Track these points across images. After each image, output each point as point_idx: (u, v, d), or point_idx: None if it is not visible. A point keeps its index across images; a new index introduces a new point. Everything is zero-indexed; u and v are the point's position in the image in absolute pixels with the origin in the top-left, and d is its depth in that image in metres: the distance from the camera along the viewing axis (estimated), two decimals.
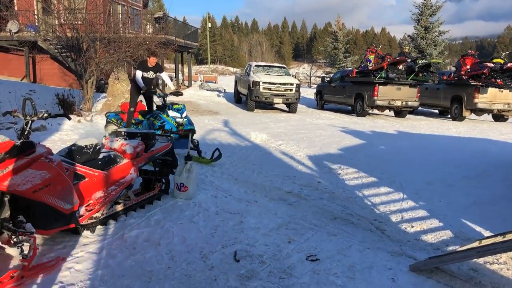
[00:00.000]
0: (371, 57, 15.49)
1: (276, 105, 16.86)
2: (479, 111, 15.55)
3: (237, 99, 18.60)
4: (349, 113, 16.64)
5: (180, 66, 28.06)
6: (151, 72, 7.79)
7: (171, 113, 7.16)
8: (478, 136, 11.26)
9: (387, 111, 16.62)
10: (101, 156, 3.91)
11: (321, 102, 18.72)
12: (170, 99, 7.92)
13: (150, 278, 3.01)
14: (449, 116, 16.34)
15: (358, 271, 3.26)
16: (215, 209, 4.57)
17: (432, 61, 17.31)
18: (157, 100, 8.05)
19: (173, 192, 4.90)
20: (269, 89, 14.88)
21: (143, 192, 4.65)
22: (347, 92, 16.52)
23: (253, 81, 15.00)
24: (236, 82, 18.94)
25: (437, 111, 18.33)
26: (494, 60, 15.45)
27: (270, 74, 15.97)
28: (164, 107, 7.26)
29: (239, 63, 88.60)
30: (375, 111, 16.39)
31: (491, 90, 14.73)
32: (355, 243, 3.84)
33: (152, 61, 7.71)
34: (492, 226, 4.29)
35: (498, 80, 14.49)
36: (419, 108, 16.77)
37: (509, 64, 14.66)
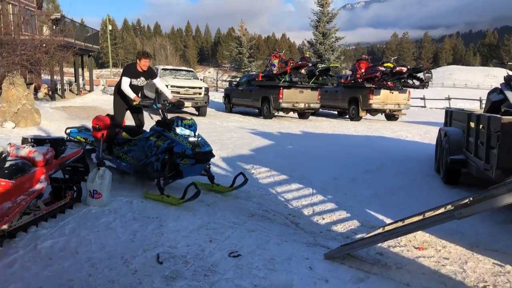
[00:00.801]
0: (275, 61, 16.09)
1: (185, 109, 16.77)
2: (374, 111, 16.91)
3: None
4: (256, 116, 17.09)
5: (80, 70, 26.67)
6: (142, 78, 6.15)
7: (180, 130, 5.26)
8: (374, 134, 12.25)
9: (291, 113, 17.36)
10: (7, 164, 3.67)
11: (230, 105, 18.99)
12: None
13: (71, 287, 2.92)
14: (347, 116, 17.52)
15: (278, 263, 3.44)
16: (132, 214, 4.49)
17: (331, 65, 18.43)
18: (143, 114, 6.58)
19: (86, 200, 4.72)
20: (178, 92, 14.76)
21: (53, 201, 4.43)
22: (254, 96, 16.96)
23: None
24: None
25: (336, 112, 19.53)
26: (385, 64, 16.92)
27: (178, 78, 15.88)
28: (169, 123, 5.36)
29: None
30: (281, 113, 17.04)
31: (383, 92, 16.11)
32: (273, 237, 4.03)
33: (143, 64, 6.06)
34: (392, 214, 4.75)
35: (389, 83, 15.86)
36: (320, 109, 17.77)
37: (397, 68, 16.13)
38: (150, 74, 6.30)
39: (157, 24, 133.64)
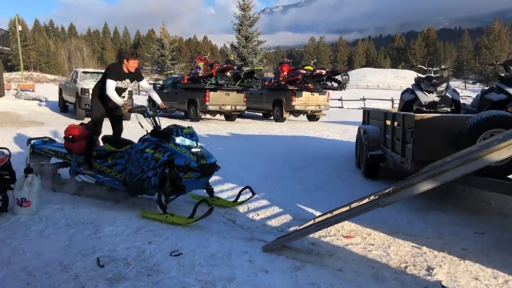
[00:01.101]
0: (201, 64, 16.14)
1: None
2: (296, 112, 17.55)
3: (63, 108, 17.34)
4: (183, 119, 17.01)
5: None
6: (127, 80, 5.41)
7: (180, 140, 4.74)
8: (298, 134, 12.77)
9: (218, 115, 17.49)
10: None
11: (154, 108, 18.68)
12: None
13: None
14: (272, 118, 18.02)
15: (219, 259, 3.57)
16: (65, 221, 4.38)
17: (255, 68, 18.85)
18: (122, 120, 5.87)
19: (13, 209, 4.52)
20: None
21: None
22: (179, 98, 16.87)
23: (81, 88, 14.21)
24: (60, 90, 17.64)
25: (261, 114, 19.99)
26: (306, 67, 17.66)
27: (93, 82, 15.34)
28: (167, 133, 4.80)
29: (57, 69, 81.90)
30: (208, 115, 17.11)
31: (305, 94, 16.79)
32: (212, 235, 4.15)
33: (131, 66, 5.26)
34: (321, 207, 5.07)
35: (310, 85, 16.57)
36: (246, 111, 18.11)
37: (317, 71, 16.89)
38: (137, 75, 5.53)
39: (72, 25, 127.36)
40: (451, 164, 3.22)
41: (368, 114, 8.22)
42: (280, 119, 17.16)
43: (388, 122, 6.23)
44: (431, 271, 3.39)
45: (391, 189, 3.46)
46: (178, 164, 4.52)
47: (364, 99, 32.39)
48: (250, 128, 14.44)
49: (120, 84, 5.33)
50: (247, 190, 5.33)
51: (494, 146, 3.04)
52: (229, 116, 17.19)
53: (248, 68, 17.11)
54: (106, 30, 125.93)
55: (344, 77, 17.33)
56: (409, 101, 6.11)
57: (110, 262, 3.42)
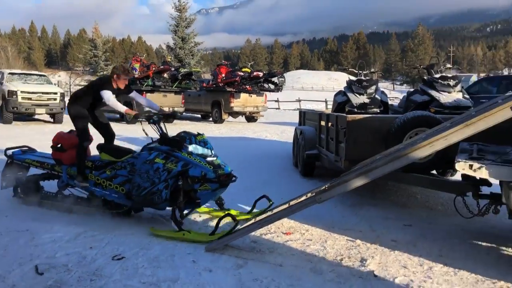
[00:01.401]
0: (137, 65, 15.87)
1: (38, 116, 15.54)
2: (235, 114, 17.72)
3: None
4: (119, 121, 16.59)
5: None
6: (116, 97, 4.92)
7: (194, 148, 4.35)
8: (237, 135, 12.93)
9: None
10: None
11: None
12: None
13: None
14: (211, 119, 18.07)
15: (163, 261, 3.60)
16: None
17: (192, 69, 18.81)
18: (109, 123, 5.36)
19: None
20: (30, 98, 13.65)
21: None
22: None
23: (8, 90, 13.49)
24: None
25: (199, 116, 19.97)
26: (243, 69, 17.88)
27: (29, 83, 14.64)
28: (179, 141, 4.41)
29: None
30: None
31: (243, 95, 17.01)
32: (154, 237, 4.16)
33: (122, 82, 4.87)
34: (261, 205, 5.20)
35: (248, 87, 16.81)
36: (184, 113, 18.02)
37: (255, 73, 17.17)
38: (128, 92, 5.16)
39: None
40: (380, 162, 3.48)
41: (304, 115, 8.53)
42: (219, 120, 17.25)
43: (323, 123, 6.52)
44: (364, 262, 3.63)
45: (326, 186, 3.67)
46: (194, 175, 4.17)
47: (299, 101, 33.29)
48: (188, 130, 14.33)
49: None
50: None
51: (418, 144, 3.33)
52: (167, 118, 16.98)
53: (186, 70, 17.07)
54: (33, 29, 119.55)
55: (280, 79, 17.74)
56: (341, 102, 6.44)
57: (50, 269, 3.35)
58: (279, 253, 3.84)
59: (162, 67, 16.05)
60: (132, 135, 12.26)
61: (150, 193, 4.28)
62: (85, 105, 4.93)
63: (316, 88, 74.51)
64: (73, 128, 5.03)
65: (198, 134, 4.53)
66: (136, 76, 15.73)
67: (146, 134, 4.77)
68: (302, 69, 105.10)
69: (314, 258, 3.74)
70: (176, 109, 16.26)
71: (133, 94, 5.26)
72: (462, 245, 4.10)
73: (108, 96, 4.68)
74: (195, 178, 4.18)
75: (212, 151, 4.49)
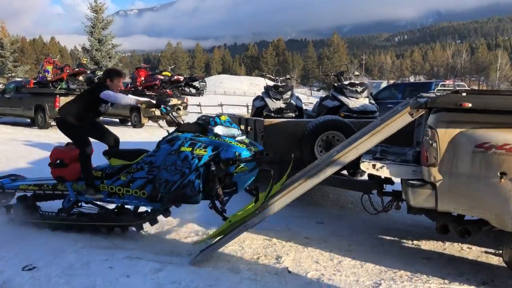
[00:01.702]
0: (49, 67, 15.04)
1: None
2: (156, 118, 17.41)
3: None
4: (30, 126, 15.62)
5: None
6: (109, 104, 4.59)
7: (222, 130, 3.97)
8: (159, 139, 12.72)
9: None
10: None
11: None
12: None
13: None
14: (130, 123, 17.60)
15: (78, 268, 3.52)
16: None
17: None
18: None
19: None
20: None
21: None
22: (25, 104, 15.42)
23: None
24: None
25: (117, 120, 19.36)
26: (163, 73, 17.67)
27: None
28: (202, 124, 4.07)
29: None
30: None
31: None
32: (69, 246, 4.04)
33: (117, 85, 4.53)
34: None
35: (168, 91, 16.63)
36: (101, 117, 17.37)
37: (175, 77, 17.05)
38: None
39: None
40: (300, 180, 3.68)
41: None
42: (138, 124, 16.84)
43: (242, 127, 6.69)
44: (279, 259, 3.82)
45: (257, 211, 3.78)
46: (227, 157, 3.78)
47: (221, 105, 33.47)
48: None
49: (104, 107, 4.56)
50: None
51: (333, 158, 3.60)
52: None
53: (102, 73, 16.49)
54: None
55: (201, 83, 17.76)
56: (259, 107, 6.65)
57: None
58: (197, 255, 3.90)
59: (77, 69, 15.36)
60: (45, 140, 11.65)
61: (182, 186, 3.85)
62: (78, 116, 4.46)
63: (238, 93, 75.21)
64: (69, 141, 4.64)
65: (221, 114, 4.08)
66: (49, 78, 14.91)
67: (161, 127, 4.61)
68: (224, 73, 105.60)
69: (232, 258, 3.86)
70: None
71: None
72: (369, 239, 4.44)
73: (111, 93, 4.29)
74: (229, 160, 3.78)
75: (239, 130, 4.13)
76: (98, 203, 4.53)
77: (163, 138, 4.21)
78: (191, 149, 3.86)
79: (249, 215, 3.81)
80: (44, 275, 3.37)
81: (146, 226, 4.48)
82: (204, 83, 18.19)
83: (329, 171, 3.60)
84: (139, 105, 4.33)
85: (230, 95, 67.23)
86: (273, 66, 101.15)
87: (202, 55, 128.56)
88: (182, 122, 4.24)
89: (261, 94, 6.85)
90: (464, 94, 3.33)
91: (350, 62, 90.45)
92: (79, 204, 4.57)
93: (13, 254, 3.78)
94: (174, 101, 16.06)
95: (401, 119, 3.51)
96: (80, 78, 15.26)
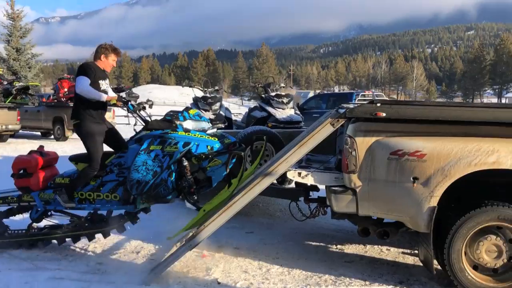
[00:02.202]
0: None
1: None
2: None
3: None
4: None
5: None
6: (107, 81, 4.28)
7: (191, 124, 3.92)
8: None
9: None
10: None
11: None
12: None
13: None
14: (53, 137, 16.76)
15: None
16: None
17: (30, 83, 17.26)
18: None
19: None
20: None
21: None
22: None
23: None
24: None
25: (39, 133, 18.35)
26: None
27: None
28: (169, 120, 3.93)
29: None
30: None
31: None
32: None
33: (111, 64, 4.24)
34: None
35: None
36: (21, 131, 16.38)
37: None
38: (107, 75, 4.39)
39: None
40: (237, 196, 3.68)
41: None
42: (62, 138, 16.04)
43: None
44: (209, 271, 3.82)
45: (193, 232, 3.75)
46: (200, 152, 3.72)
47: (150, 116, 32.77)
48: (26, 149, 13.06)
49: (104, 85, 4.18)
50: None
51: (266, 171, 3.67)
52: (0, 137, 15.29)
53: (21, 84, 15.59)
54: None
55: (132, 95, 17.31)
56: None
57: None
58: (125, 271, 3.81)
59: None
60: (59, 153, 10.78)
61: (154, 186, 3.77)
62: (85, 113, 4.07)
63: (168, 103, 74.10)
64: (33, 149, 4.43)
65: (188, 108, 4.01)
66: None
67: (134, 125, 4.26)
68: (153, 83, 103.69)
69: (162, 273, 3.80)
70: (10, 127, 14.73)
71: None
72: (296, 246, 4.58)
73: (81, 82, 3.93)
74: (201, 155, 3.73)
75: (209, 123, 4.01)
76: (69, 211, 4.35)
77: (131, 138, 4.08)
78: (161, 146, 3.78)
79: (221, 203, 3.79)
80: None
81: (70, 243, 4.32)
82: (136, 94, 17.72)
83: (265, 184, 3.67)
84: (107, 101, 3.98)
85: (160, 105, 65.96)
86: (203, 76, 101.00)
87: (130, 64, 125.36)
88: (149, 120, 4.09)
89: (189, 105, 6.85)
90: (378, 104, 3.55)
91: (278, 72, 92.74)
92: (48, 214, 4.40)
93: None
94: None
95: (324, 130, 3.66)
96: None
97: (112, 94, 4.27)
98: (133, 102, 4.05)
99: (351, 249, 4.51)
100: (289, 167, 3.72)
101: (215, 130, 4.13)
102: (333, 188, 3.76)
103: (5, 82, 15.03)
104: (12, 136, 16.04)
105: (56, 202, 4.17)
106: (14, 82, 15.48)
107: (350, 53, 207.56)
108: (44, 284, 3.51)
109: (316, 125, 4.03)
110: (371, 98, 13.49)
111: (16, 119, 14.89)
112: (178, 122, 3.92)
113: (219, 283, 3.59)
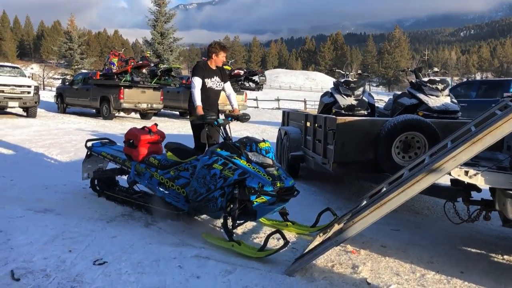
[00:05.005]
0: (115, 60, 15.45)
1: (11, 109, 14.97)
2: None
3: None
4: (95, 116, 16.18)
5: None
6: (217, 78, 4.99)
7: (254, 156, 3.98)
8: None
9: (133, 114, 16.90)
10: None
11: (63, 105, 17.59)
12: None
13: None
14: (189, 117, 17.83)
15: (147, 266, 3.43)
16: None
17: (173, 66, 18.50)
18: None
19: None
20: (2, 91, 13.16)
21: None
22: (91, 95, 16.03)
23: None
24: None
25: (178, 113, 19.67)
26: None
27: (1, 75, 14.10)
28: (238, 147, 4.07)
29: None
30: (122, 113, 16.45)
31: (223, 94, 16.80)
32: (137, 241, 3.98)
33: (220, 60, 4.95)
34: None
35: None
36: (163, 110, 17.70)
37: (235, 71, 17.00)
38: (223, 74, 5.14)
39: None
40: (391, 193, 3.30)
41: (288, 115, 8.42)
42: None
43: (309, 124, 6.42)
44: (356, 269, 3.54)
45: (341, 227, 3.50)
46: (250, 185, 3.81)
47: (278, 100, 33.23)
48: (167, 127, 14.12)
49: (211, 83, 4.93)
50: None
51: (431, 167, 3.19)
52: (145, 115, 16.71)
53: (165, 66, 16.76)
54: (5, 19, 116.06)
55: (261, 78, 17.62)
56: (328, 103, 6.35)
57: (27, 275, 3.14)
58: (267, 259, 3.71)
59: (141, 62, 15.68)
60: (110, 131, 11.97)
61: (206, 199, 4.03)
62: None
63: (294, 88, 74.79)
64: (146, 125, 5.09)
65: (263, 140, 4.11)
66: (114, 70, 15.35)
67: (211, 138, 4.90)
68: (280, 68, 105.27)
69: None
70: (154, 106, 15.96)
71: (227, 85, 5.25)
72: (452, 251, 4.07)
73: (194, 83, 4.84)
74: (251, 188, 3.81)
75: (274, 161, 4.07)
76: (149, 190, 4.91)
77: (208, 149, 4.39)
78: (222, 168, 3.99)
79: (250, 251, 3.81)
80: (115, 271, 3.30)
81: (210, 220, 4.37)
82: (264, 78, 18.02)
83: (426, 182, 3.19)
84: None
85: (286, 90, 66.94)
86: (330, 60, 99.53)
87: (259, 49, 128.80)
88: (229, 139, 4.27)
89: (330, 90, 6.55)
90: None
91: (412, 57, 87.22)
92: (136, 184, 5.01)
93: (84, 247, 3.75)
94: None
95: (507, 125, 3.04)
96: (144, 71, 15.58)
97: (216, 88, 5.06)
98: (220, 119, 4.31)
99: None
100: (458, 165, 3.22)
101: (276, 169, 3.99)
102: (510, 192, 3.20)
103: (152, 64, 16.25)
104: (155, 114, 17.43)
105: (145, 177, 4.70)
106: (159, 64, 16.68)
107: (496, 37, 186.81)
108: (191, 261, 3.55)
109: (496, 118, 3.42)
110: None
111: (160, 99, 16.10)
112: (244, 152, 4.03)
113: (368, 283, 3.30)
